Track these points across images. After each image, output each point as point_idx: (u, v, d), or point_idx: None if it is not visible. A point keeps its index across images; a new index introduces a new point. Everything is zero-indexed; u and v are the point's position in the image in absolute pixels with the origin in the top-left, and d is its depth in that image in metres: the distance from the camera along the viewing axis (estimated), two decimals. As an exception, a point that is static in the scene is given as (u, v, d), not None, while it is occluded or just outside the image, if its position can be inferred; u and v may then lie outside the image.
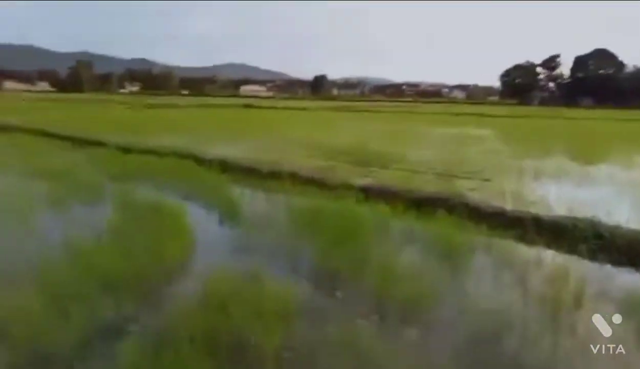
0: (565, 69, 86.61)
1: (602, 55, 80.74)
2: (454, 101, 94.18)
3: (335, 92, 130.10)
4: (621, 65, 79.42)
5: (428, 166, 10.40)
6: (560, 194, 8.06)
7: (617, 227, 5.78)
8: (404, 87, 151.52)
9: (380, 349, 3.35)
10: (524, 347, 3.52)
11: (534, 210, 6.61)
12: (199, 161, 10.41)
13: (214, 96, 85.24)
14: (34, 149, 12.37)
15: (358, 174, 9.18)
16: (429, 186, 8.15)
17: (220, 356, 3.18)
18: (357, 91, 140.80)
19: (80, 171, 9.34)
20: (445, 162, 11.03)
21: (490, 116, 36.64)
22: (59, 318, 3.44)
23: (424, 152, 12.97)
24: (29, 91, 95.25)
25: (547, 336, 3.69)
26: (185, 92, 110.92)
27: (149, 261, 4.60)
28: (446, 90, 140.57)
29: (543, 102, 77.50)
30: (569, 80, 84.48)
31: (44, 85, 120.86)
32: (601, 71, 78.55)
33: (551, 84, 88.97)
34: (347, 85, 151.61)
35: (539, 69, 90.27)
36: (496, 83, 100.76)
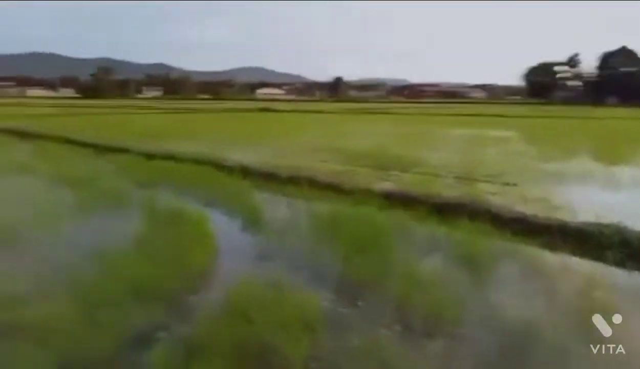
0: (587, 67, 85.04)
1: (627, 54, 78.95)
2: (474, 101, 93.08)
3: (352, 93, 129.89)
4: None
5: (448, 169, 10.32)
6: (586, 197, 7.90)
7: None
8: (423, 88, 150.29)
9: (404, 360, 3.34)
10: (551, 358, 3.46)
11: (558, 215, 6.50)
12: (220, 166, 10.52)
13: (232, 100, 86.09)
14: (58, 156, 12.68)
15: (377, 178, 9.17)
16: (450, 190, 8.09)
17: (247, 365, 3.22)
18: (375, 93, 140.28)
19: (106, 177, 9.53)
20: (466, 165, 10.92)
21: (511, 116, 36.09)
22: (92, 326, 3.53)
23: (443, 155, 12.88)
24: (52, 98, 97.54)
25: (575, 345, 3.61)
26: (203, 96, 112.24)
27: (174, 268, 4.68)
28: (466, 90, 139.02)
29: (567, 101, 75.91)
30: (594, 78, 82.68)
31: (66, 92, 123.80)
32: (625, 69, 76.69)
33: (574, 83, 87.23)
34: (365, 86, 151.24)
35: (561, 68, 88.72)
36: (517, 82, 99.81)
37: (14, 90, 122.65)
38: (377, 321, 3.89)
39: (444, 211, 6.89)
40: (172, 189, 8.84)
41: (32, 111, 41.60)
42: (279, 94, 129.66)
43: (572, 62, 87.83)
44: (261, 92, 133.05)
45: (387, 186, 8.48)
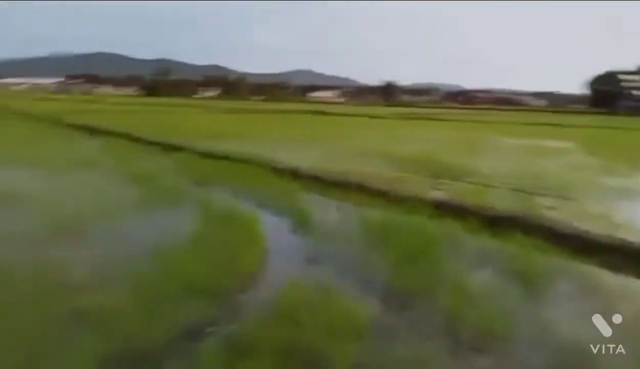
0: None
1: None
2: (532, 109, 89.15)
3: (405, 98, 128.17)
4: None
5: (502, 180, 9.99)
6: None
7: None
8: (477, 94, 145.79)
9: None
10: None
11: (621, 234, 6.16)
12: (272, 167, 10.77)
13: (286, 101, 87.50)
14: (121, 153, 13.46)
15: (427, 187, 9.05)
16: (503, 202, 7.85)
17: (293, 366, 3.31)
18: (428, 98, 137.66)
19: (165, 175, 10.02)
20: (522, 177, 10.52)
21: (572, 126, 34.29)
22: (147, 317, 3.76)
23: (497, 165, 12.46)
24: (118, 96, 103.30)
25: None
26: (258, 97, 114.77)
27: (225, 266, 4.87)
28: (523, 97, 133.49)
29: (631, 112, 71.07)
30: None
31: (130, 91, 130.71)
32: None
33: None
34: (418, 91, 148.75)
35: (629, 76, 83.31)
36: (579, 90, 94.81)
37: (85, 87, 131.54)
38: (425, 332, 3.87)
39: (497, 223, 6.70)
40: (225, 188, 9.15)
41: (100, 106, 44.38)
42: (331, 97, 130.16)
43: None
44: (312, 95, 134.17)
45: (438, 194, 8.36)
